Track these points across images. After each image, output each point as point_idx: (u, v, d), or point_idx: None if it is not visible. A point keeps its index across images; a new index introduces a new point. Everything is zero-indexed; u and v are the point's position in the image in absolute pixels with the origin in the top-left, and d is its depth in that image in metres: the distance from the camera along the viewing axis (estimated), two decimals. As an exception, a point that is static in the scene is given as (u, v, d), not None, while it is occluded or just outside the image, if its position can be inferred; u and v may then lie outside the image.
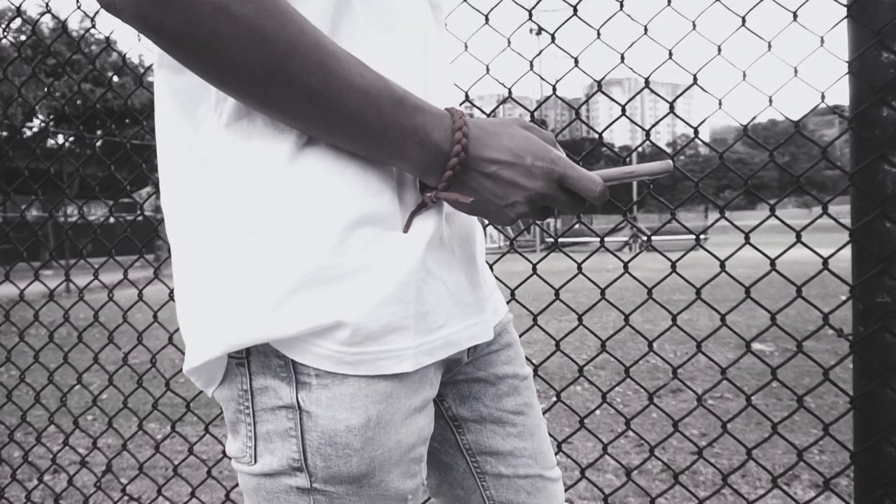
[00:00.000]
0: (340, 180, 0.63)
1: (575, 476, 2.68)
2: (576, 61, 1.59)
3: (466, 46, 1.56)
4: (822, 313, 1.40)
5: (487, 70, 1.62)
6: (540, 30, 1.57)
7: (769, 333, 5.41)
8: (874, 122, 1.37)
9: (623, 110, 1.55)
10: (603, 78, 1.54)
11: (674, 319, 1.52)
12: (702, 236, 1.47)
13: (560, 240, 1.73)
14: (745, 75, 1.47)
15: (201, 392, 1.90)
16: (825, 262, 1.38)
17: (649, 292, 1.54)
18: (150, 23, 0.51)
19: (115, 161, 1.93)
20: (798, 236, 1.41)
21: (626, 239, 18.47)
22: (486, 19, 1.58)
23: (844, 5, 1.39)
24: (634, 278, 1.59)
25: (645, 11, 1.65)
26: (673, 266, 1.49)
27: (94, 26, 1.91)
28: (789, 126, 1.50)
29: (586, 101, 1.67)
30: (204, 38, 0.52)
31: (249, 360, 0.64)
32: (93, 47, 16.40)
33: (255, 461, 0.66)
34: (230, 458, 0.70)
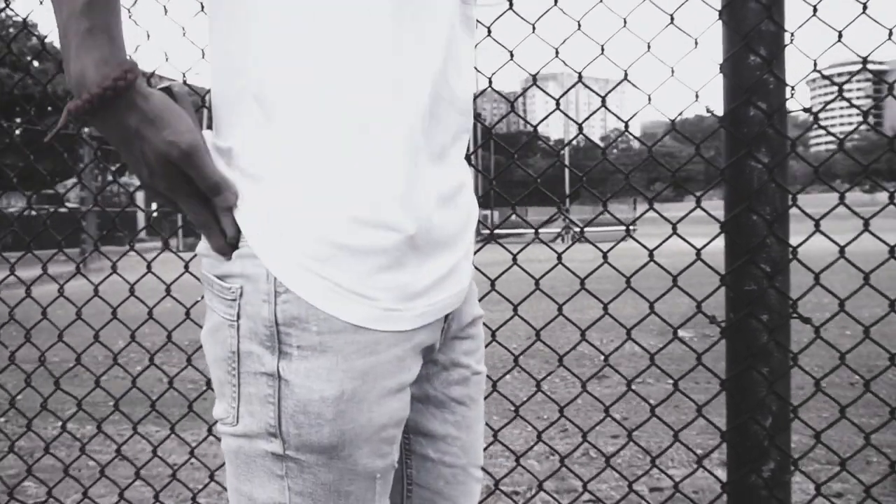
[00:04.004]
0: (338, 160, 0.66)
1: (507, 465, 2.72)
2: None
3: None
4: (696, 301, 1.48)
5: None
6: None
7: (692, 320, 5.62)
8: (743, 120, 1.46)
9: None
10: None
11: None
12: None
13: (495, 231, 1.75)
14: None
15: (130, 390, 1.83)
16: (698, 252, 1.46)
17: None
18: None
19: (36, 151, 1.84)
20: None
21: (558, 230, 18.87)
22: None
23: (717, 10, 1.47)
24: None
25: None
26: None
27: (7, 6, 1.81)
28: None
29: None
30: None
31: (239, 324, 0.68)
32: (10, 30, 15.53)
33: (238, 422, 0.70)
34: (216, 421, 0.73)
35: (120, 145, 0.67)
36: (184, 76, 1.66)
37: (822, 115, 1.51)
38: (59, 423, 2.00)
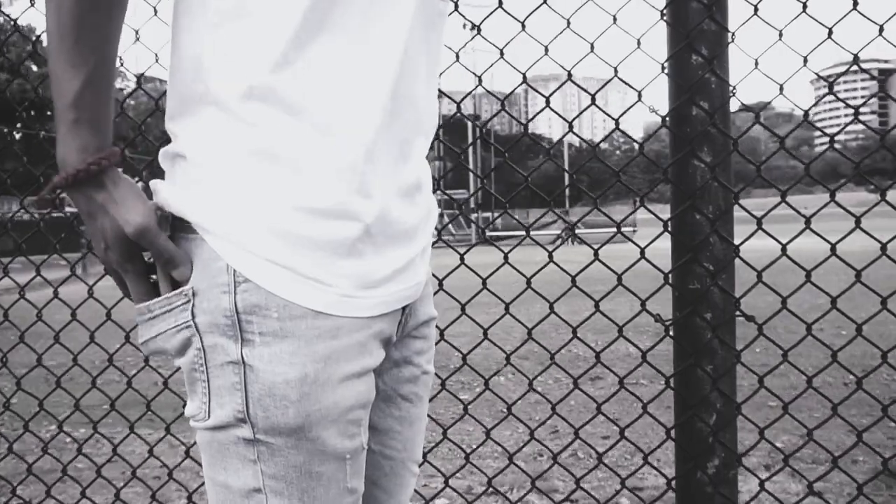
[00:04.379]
0: (301, 156, 0.69)
1: (494, 465, 2.72)
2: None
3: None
4: (641, 300, 1.49)
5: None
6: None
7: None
8: (686, 120, 1.46)
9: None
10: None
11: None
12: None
13: (494, 234, 1.77)
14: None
15: (89, 390, 1.85)
16: (642, 252, 1.47)
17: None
18: None
19: (33, 155, 1.85)
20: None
21: (558, 232, 18.90)
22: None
23: (660, 10, 1.48)
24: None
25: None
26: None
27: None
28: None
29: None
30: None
31: (196, 322, 0.71)
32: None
33: (209, 416, 0.73)
34: (189, 419, 0.76)
35: (86, 217, 0.75)
36: (137, 78, 1.68)
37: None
38: (54, 426, 2.00)
